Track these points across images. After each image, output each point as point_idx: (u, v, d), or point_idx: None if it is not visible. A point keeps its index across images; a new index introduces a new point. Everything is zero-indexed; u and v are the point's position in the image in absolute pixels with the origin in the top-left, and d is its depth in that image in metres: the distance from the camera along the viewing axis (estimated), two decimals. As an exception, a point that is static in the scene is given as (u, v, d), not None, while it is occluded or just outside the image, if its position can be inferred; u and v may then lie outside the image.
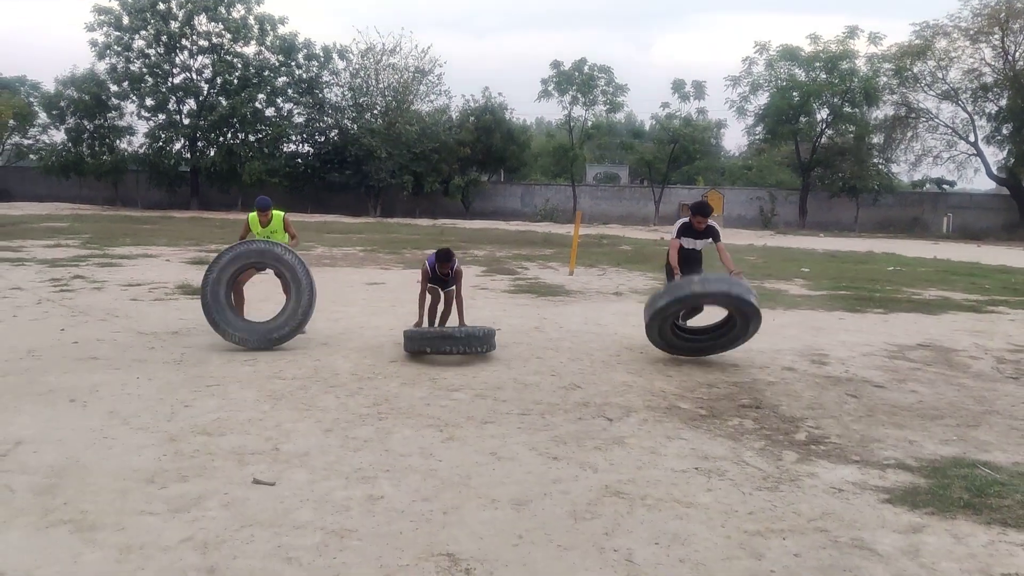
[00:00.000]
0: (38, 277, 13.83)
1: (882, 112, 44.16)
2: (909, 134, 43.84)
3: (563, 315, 11.42)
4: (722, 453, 5.54)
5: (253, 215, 9.37)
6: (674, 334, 8.46)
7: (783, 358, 8.77)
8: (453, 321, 8.89)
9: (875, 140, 44.52)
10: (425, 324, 8.83)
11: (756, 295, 8.00)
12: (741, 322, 8.14)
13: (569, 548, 3.97)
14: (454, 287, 8.84)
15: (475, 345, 7.94)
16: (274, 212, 9.34)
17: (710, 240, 8.74)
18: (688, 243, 8.74)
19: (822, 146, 43.65)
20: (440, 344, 7.90)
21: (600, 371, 7.92)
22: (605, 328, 10.35)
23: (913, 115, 43.53)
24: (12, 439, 5.33)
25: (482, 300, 12.50)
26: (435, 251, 8.74)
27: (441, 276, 8.73)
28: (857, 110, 42.72)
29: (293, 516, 4.24)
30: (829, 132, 43.76)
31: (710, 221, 8.64)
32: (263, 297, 10.80)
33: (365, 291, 13.53)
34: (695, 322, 9.18)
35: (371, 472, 4.94)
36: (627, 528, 4.22)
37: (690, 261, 8.72)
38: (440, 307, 9.03)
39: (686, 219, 8.79)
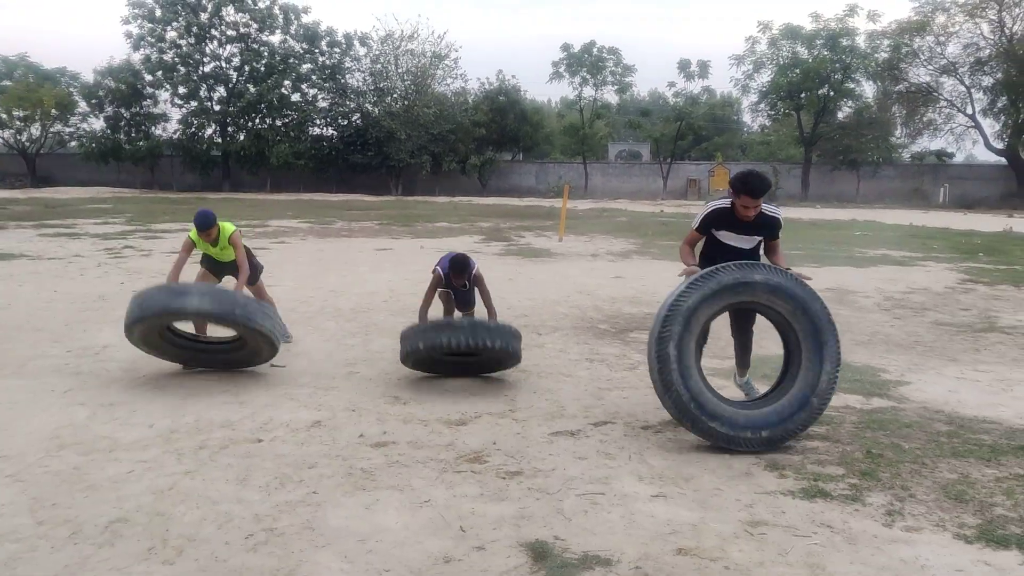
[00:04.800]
0: (94, 247, 16.10)
1: (886, 87, 45.54)
2: (930, 109, 45.06)
3: (537, 270, 13.47)
4: (613, 352, 7.58)
5: (194, 233, 7.14)
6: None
7: (703, 298, 10.75)
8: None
9: (896, 113, 45.95)
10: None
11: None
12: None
13: (473, 394, 6.05)
14: (472, 309, 7.18)
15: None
16: (221, 225, 7.19)
17: (761, 239, 5.44)
18: (728, 238, 5.41)
19: (823, 121, 45.17)
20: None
21: (548, 306, 9.97)
22: (567, 279, 12.39)
23: (914, 89, 44.87)
24: (101, 344, 7.51)
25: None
26: (449, 257, 6.84)
27: (457, 287, 6.96)
28: (857, 86, 44.27)
29: (295, 381, 6.36)
30: (830, 107, 45.27)
31: (765, 206, 5.27)
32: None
33: (374, 255, 15.63)
34: None
35: (353, 361, 7.05)
36: (518, 387, 6.27)
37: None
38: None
39: (724, 201, 5.39)
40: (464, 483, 4.34)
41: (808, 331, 4.98)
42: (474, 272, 6.76)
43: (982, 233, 22.95)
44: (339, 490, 4.22)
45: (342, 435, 5.09)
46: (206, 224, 7.01)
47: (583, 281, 12.13)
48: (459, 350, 5.98)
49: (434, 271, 6.79)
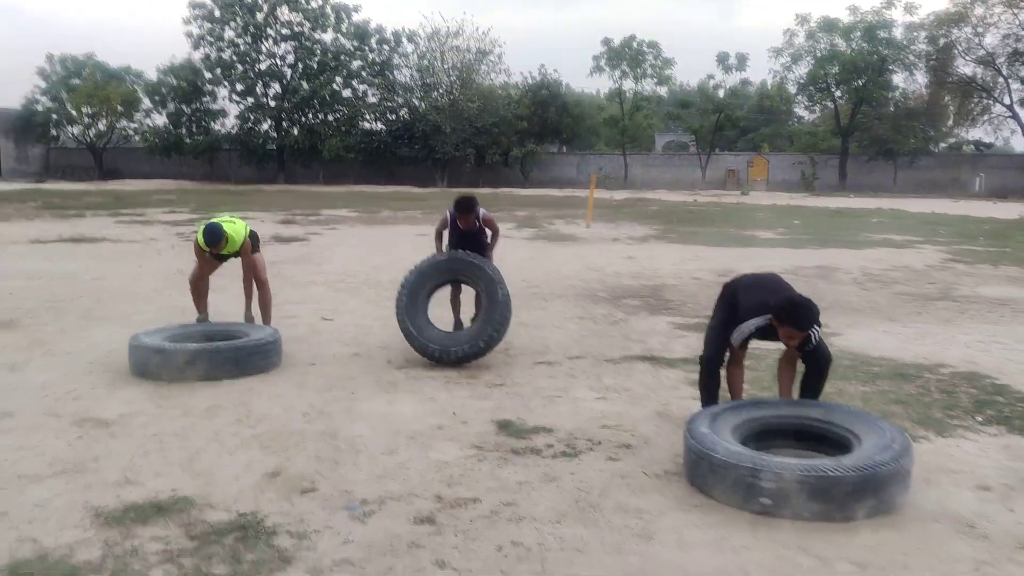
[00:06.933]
0: (165, 232, 18.04)
1: (939, 77, 45.99)
2: (976, 99, 45.51)
3: (558, 252, 15.00)
4: (602, 312, 9.09)
5: (202, 242, 7.31)
6: None
7: (698, 273, 12.20)
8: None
9: (948, 104, 46.43)
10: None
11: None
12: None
13: (480, 338, 7.63)
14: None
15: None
16: (230, 234, 7.33)
17: None
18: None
19: (861, 112, 45.83)
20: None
21: (559, 279, 11.51)
22: (582, 259, 13.90)
23: (966, 79, 45.28)
24: (184, 306, 9.21)
25: (502, 244, 16.10)
26: (455, 199, 7.12)
27: (464, 230, 7.10)
28: (908, 74, 44.95)
29: (341, 330, 8.01)
30: (867, 98, 45.89)
31: None
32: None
33: (414, 239, 17.33)
34: None
35: (387, 316, 8.61)
36: (516, 334, 7.81)
37: None
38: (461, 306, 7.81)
39: (762, 321, 4.71)
40: (460, 389, 5.93)
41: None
42: (482, 214, 7.13)
43: (999, 220, 23.85)
44: (370, 392, 5.84)
45: (374, 362, 6.72)
46: (214, 241, 7.23)
47: (596, 261, 13.62)
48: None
49: (442, 215, 7.31)
